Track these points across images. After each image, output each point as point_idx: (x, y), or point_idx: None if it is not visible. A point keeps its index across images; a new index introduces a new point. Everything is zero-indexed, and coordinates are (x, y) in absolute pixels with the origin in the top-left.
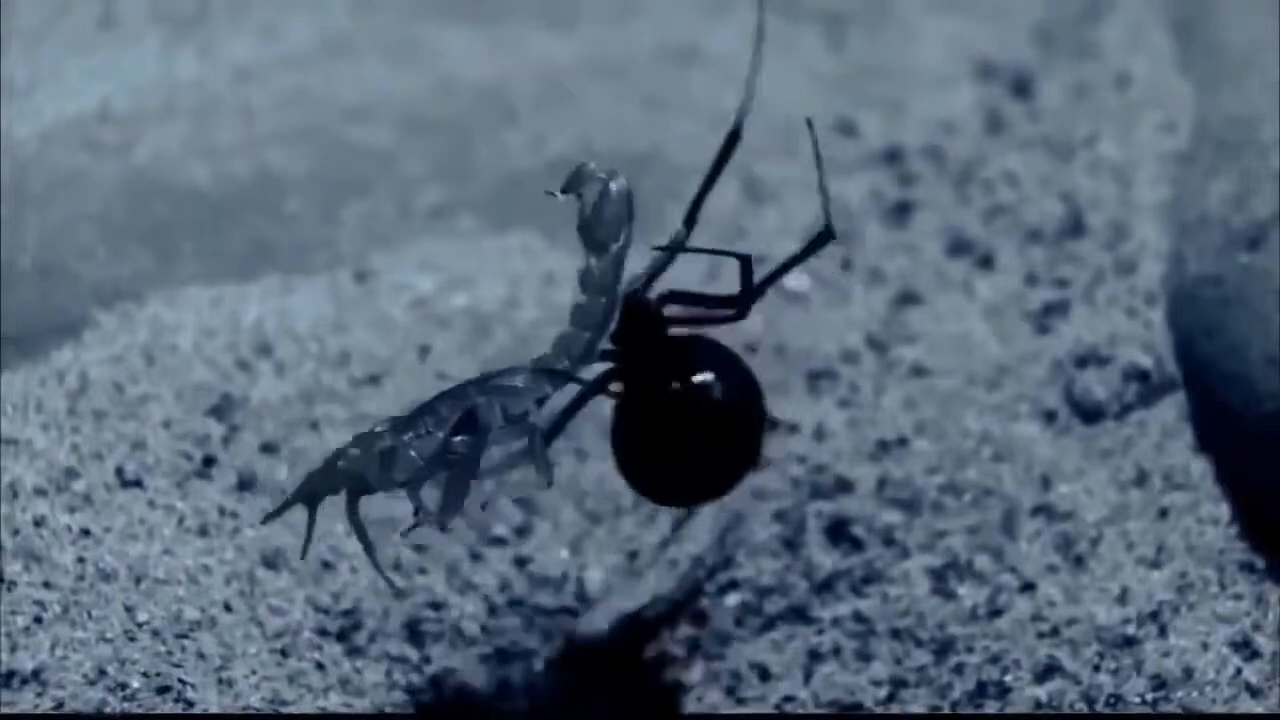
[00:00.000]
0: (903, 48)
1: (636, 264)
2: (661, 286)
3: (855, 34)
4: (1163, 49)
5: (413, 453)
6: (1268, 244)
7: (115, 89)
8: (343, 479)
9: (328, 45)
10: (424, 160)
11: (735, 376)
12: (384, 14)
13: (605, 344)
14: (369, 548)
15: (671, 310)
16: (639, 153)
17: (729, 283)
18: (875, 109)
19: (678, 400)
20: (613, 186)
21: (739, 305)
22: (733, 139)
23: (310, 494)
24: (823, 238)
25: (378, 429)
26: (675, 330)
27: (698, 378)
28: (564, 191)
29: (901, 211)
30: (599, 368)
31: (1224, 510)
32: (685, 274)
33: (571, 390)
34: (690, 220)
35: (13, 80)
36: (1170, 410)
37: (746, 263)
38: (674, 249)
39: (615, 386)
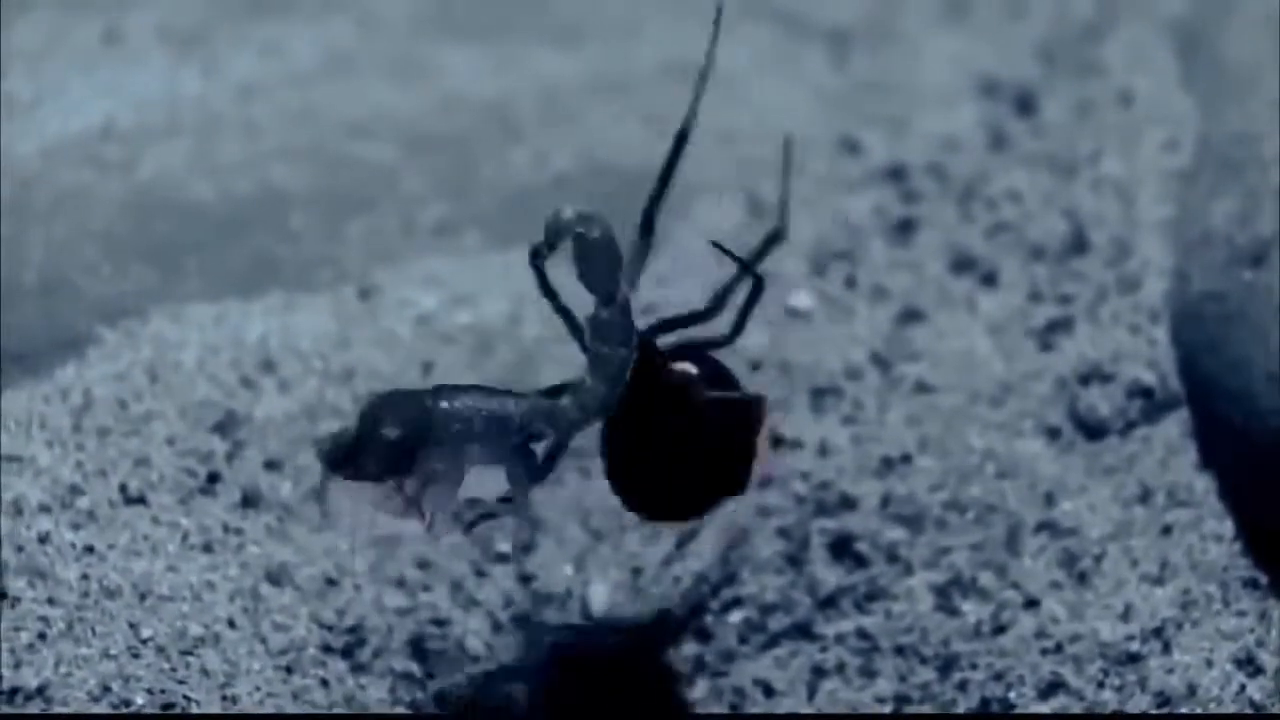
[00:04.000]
0: (906, 65)
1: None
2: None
3: (859, 52)
4: (1166, 67)
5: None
6: (1271, 261)
7: (119, 106)
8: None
9: (331, 62)
10: (427, 177)
11: (726, 400)
12: (387, 31)
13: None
14: None
15: (664, 339)
16: (641, 170)
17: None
18: (879, 126)
19: (667, 415)
20: (594, 234)
21: (732, 331)
22: (680, 140)
23: None
24: (775, 237)
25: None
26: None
27: (688, 393)
28: (549, 248)
29: (905, 229)
30: None
31: (1227, 527)
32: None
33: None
34: (647, 228)
35: (17, 97)
36: (1174, 427)
37: (758, 285)
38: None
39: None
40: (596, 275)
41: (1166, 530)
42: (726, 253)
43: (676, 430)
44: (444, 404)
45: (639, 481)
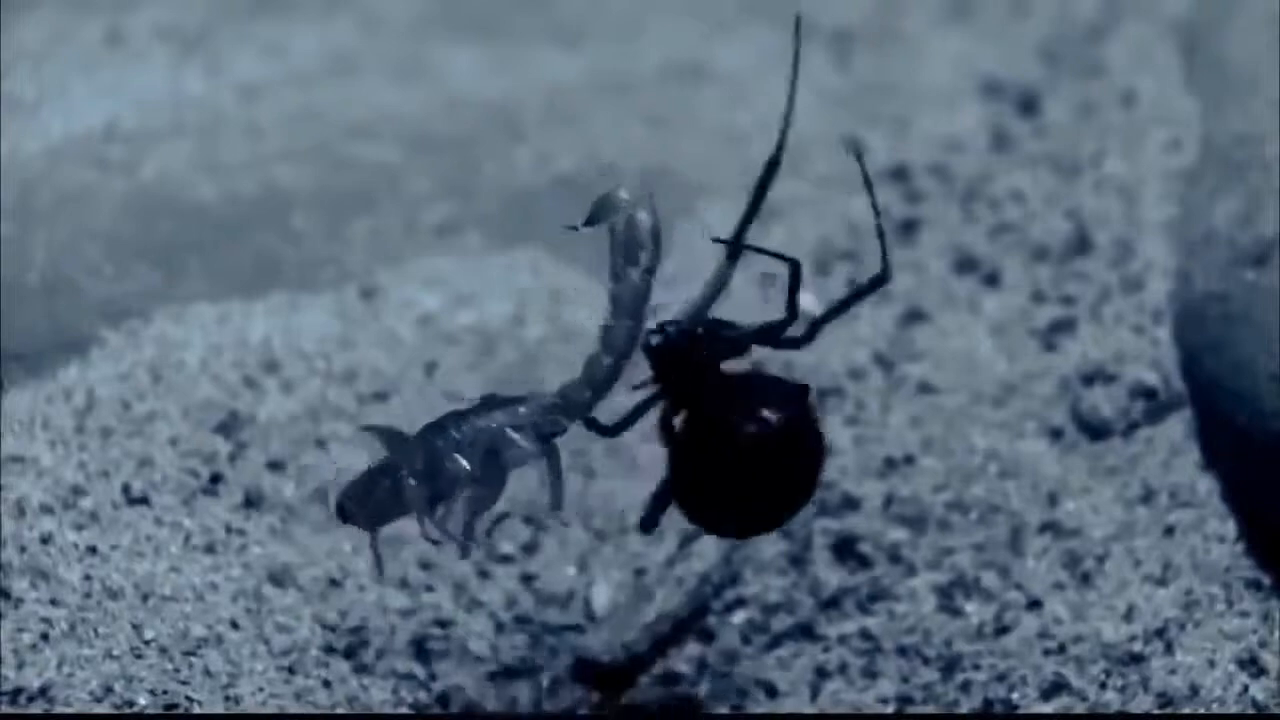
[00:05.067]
0: (909, 66)
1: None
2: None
3: (862, 52)
4: (1169, 67)
5: (413, 481)
6: (1273, 261)
7: (122, 106)
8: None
9: (334, 63)
10: (430, 177)
11: (795, 407)
12: (390, 32)
13: (636, 373)
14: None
15: (718, 342)
16: (646, 170)
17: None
18: (882, 127)
19: (746, 435)
20: (640, 217)
21: (786, 323)
22: (771, 167)
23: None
24: (880, 279)
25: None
26: (728, 363)
27: (763, 412)
28: (589, 223)
29: (908, 229)
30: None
31: (1230, 527)
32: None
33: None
34: (733, 256)
35: (19, 97)
36: (1177, 427)
37: (796, 270)
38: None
39: (675, 420)
40: (634, 253)
41: (1169, 531)
42: (724, 242)
43: (741, 433)
44: (454, 434)
45: (713, 501)
